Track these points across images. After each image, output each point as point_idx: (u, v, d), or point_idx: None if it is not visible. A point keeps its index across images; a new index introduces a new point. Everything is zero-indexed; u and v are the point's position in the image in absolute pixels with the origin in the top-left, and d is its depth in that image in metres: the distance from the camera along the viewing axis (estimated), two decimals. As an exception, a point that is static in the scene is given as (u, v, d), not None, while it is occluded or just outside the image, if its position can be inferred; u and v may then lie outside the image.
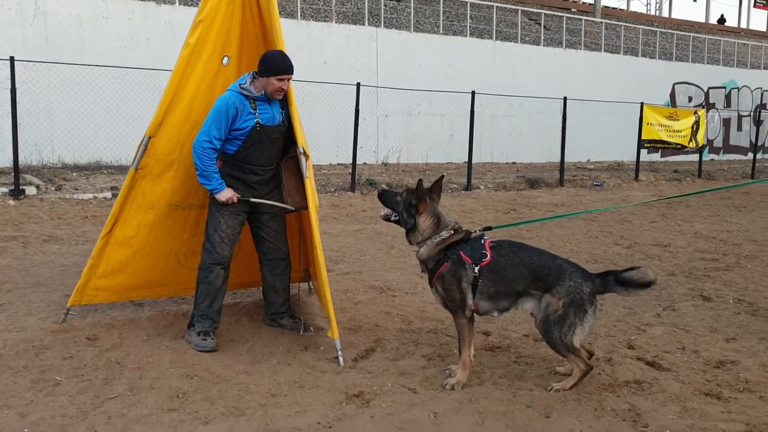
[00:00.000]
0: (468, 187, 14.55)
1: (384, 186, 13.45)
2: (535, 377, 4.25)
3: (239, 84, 4.52)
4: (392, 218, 4.33)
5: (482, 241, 4.15)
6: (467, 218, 10.81)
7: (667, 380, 4.22)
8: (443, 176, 4.51)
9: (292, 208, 4.79)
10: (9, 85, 10.33)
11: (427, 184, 4.33)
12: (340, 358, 4.38)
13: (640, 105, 17.68)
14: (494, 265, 4.06)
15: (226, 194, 4.55)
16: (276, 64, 4.47)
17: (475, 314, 4.20)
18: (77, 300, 4.94)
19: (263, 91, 4.53)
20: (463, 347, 4.10)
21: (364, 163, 17.28)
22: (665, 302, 6.03)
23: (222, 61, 4.75)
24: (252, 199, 4.69)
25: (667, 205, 13.04)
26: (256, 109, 4.54)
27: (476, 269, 4.04)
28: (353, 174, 13.41)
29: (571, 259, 4.29)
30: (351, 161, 13.57)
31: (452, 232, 4.18)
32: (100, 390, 3.91)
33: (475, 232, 4.29)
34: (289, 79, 4.55)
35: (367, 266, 7.23)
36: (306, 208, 4.66)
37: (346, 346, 4.60)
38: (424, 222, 4.20)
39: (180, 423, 3.53)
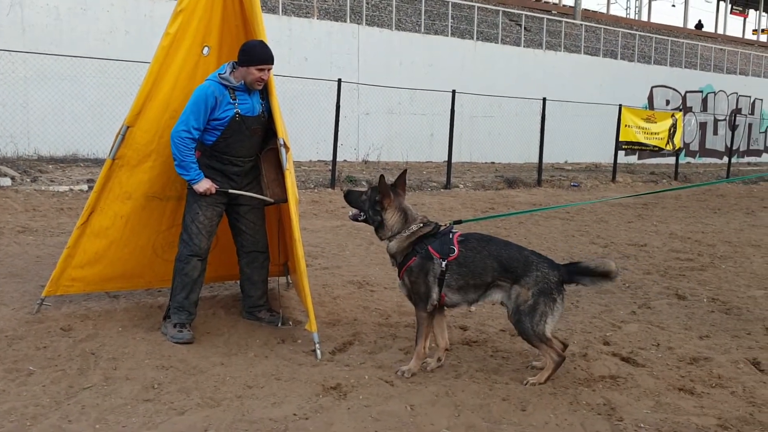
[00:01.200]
0: (447, 185, 14.60)
1: (363, 183, 13.45)
2: (511, 371, 4.28)
3: (219, 74, 4.49)
4: (360, 218, 4.35)
5: (451, 236, 4.17)
6: (446, 216, 10.84)
7: (642, 375, 4.26)
8: (406, 171, 4.53)
9: (272, 201, 4.76)
10: (-16, 75, 10.17)
11: (391, 180, 4.35)
12: (318, 351, 4.37)
13: (618, 107, 17.84)
14: (462, 259, 4.09)
15: (204, 185, 4.52)
16: (256, 54, 4.44)
17: (445, 307, 4.25)
18: (52, 290, 4.87)
19: (243, 81, 4.51)
20: (420, 339, 4.17)
21: (345, 161, 17.26)
22: (641, 300, 6.10)
23: (202, 52, 4.71)
24: (231, 191, 4.66)
25: (643, 206, 13.19)
26: (235, 100, 4.51)
27: (443, 264, 4.08)
28: (333, 171, 13.39)
29: (545, 255, 4.32)
30: (331, 158, 13.54)
31: (421, 225, 4.21)
32: (74, 380, 3.87)
33: (445, 225, 4.30)
34: (269, 69, 4.53)
35: (345, 261, 7.23)
36: (285, 200, 4.63)
37: (324, 339, 4.59)
38: (391, 217, 4.22)
39: (155, 413, 3.50)
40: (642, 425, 3.58)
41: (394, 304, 5.67)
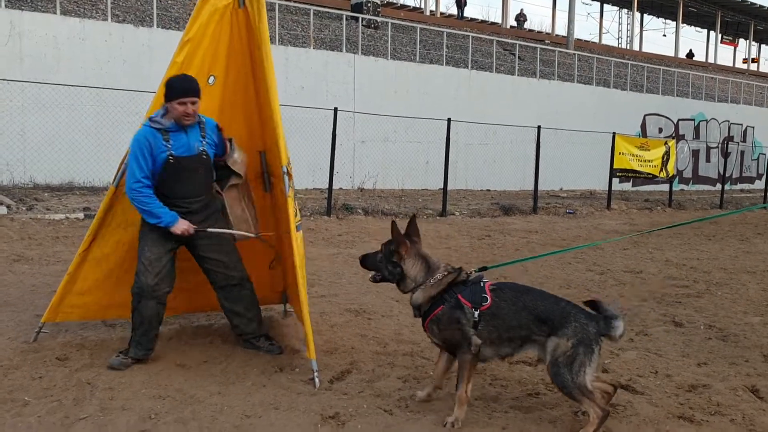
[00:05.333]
0: (443, 213, 14.64)
1: (359, 211, 13.48)
2: (510, 399, 4.26)
3: (151, 118, 4.41)
4: (378, 278, 4.14)
5: (482, 284, 3.95)
6: (443, 244, 10.86)
7: (641, 403, 4.25)
8: (414, 216, 4.32)
9: (251, 235, 4.70)
10: (-18, 104, 10.22)
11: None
12: (316, 380, 4.35)
13: (612, 135, 17.99)
14: (496, 309, 3.86)
15: (182, 226, 4.45)
16: (175, 87, 4.33)
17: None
18: (51, 317, 4.86)
19: (173, 120, 4.41)
20: (461, 383, 3.87)
21: (340, 188, 17.30)
22: (638, 327, 6.10)
23: (208, 81, 4.74)
24: (209, 230, 4.58)
25: (638, 233, 13.22)
26: (168, 141, 4.41)
27: (476, 314, 3.85)
28: (329, 198, 13.42)
29: (548, 290, 4.25)
30: (327, 186, 13.59)
31: (446, 273, 3.98)
32: (70, 410, 3.84)
33: (471, 273, 4.09)
34: (192, 102, 4.37)
35: (343, 289, 7.21)
36: (257, 235, 4.60)
37: (322, 368, 4.56)
38: (412, 267, 4.00)
39: (152, 444, 3.47)
40: (642, 454, 3.56)
41: (391, 332, 5.65)
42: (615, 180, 18.94)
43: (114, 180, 4.67)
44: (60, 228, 10.08)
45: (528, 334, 3.86)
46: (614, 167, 18.04)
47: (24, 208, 11.18)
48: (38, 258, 8.04)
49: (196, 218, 4.59)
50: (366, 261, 4.20)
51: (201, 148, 4.52)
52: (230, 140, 4.71)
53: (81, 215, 10.95)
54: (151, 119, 4.40)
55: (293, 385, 4.37)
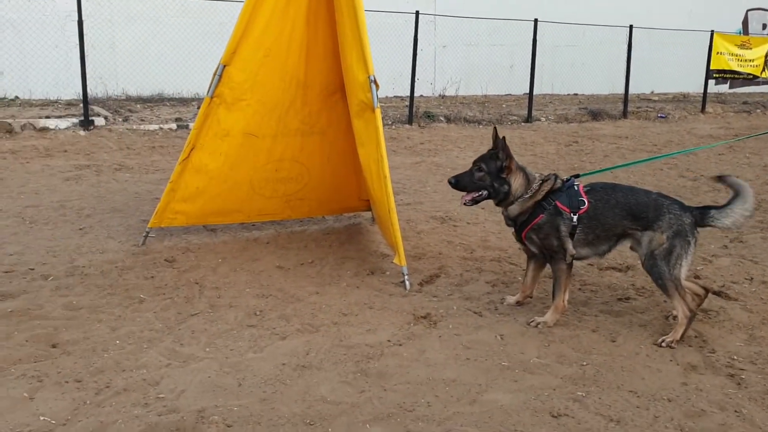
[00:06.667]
0: (529, 119, 14.32)
1: (441, 119, 13.36)
2: (599, 304, 4.31)
3: None
4: (481, 198, 4.01)
5: (576, 188, 3.94)
6: (528, 150, 10.71)
7: (734, 309, 4.22)
8: (495, 127, 4.19)
9: None
10: (76, 17, 10.52)
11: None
12: (407, 283, 4.51)
13: (710, 33, 16.91)
14: (593, 210, 3.87)
15: None
16: None
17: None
18: (157, 222, 5.17)
19: None
20: (558, 292, 3.94)
21: (421, 96, 17.08)
22: (732, 234, 5.93)
23: None
24: None
25: (734, 136, 12.62)
26: None
27: (575, 218, 3.86)
28: (411, 106, 13.33)
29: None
30: (408, 94, 13.46)
31: (541, 182, 3.96)
32: (182, 307, 4.15)
33: (563, 179, 4.03)
34: None
35: (427, 197, 7.29)
36: None
37: (411, 272, 4.71)
38: (516, 180, 3.94)
39: (259, 338, 3.74)
40: (735, 357, 3.57)
41: (478, 239, 5.74)
42: (711, 82, 17.93)
43: (209, 90, 4.79)
44: (155, 138, 10.49)
45: (623, 230, 3.88)
46: (711, 68, 17.05)
47: (120, 120, 11.65)
48: (138, 167, 8.45)
49: None
50: (462, 182, 4.04)
51: None
52: None
53: (174, 126, 11.34)
54: None
55: (385, 287, 4.56)
